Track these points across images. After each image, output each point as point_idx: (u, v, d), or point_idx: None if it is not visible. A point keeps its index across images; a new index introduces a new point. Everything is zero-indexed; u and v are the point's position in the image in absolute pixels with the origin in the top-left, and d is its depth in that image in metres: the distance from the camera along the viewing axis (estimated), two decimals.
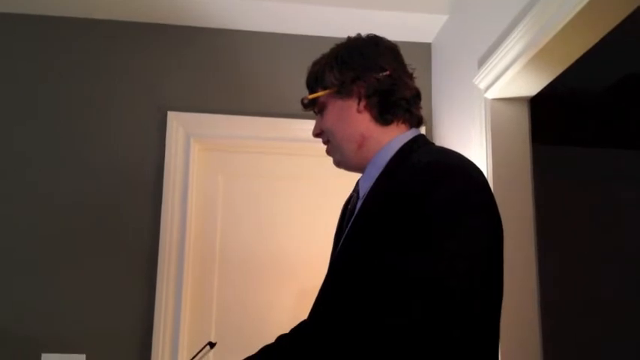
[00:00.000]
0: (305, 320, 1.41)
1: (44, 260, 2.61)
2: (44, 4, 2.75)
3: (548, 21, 1.91)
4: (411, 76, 1.49)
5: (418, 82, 1.51)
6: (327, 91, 1.47)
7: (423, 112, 1.53)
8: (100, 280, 2.61)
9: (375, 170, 1.41)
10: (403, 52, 1.52)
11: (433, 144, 1.50)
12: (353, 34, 1.54)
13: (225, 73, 2.87)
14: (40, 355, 2.51)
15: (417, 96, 1.49)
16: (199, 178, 2.80)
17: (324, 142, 1.53)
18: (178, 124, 2.76)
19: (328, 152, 1.53)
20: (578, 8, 1.77)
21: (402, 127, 1.47)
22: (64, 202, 2.67)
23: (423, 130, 2.81)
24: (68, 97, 2.77)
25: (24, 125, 2.73)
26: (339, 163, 1.52)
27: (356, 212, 1.39)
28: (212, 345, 2.48)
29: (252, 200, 2.83)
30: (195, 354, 2.44)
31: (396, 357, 1.16)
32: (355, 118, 1.45)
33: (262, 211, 2.82)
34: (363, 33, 1.54)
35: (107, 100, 2.79)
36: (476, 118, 2.41)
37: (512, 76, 2.17)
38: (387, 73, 1.44)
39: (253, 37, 2.92)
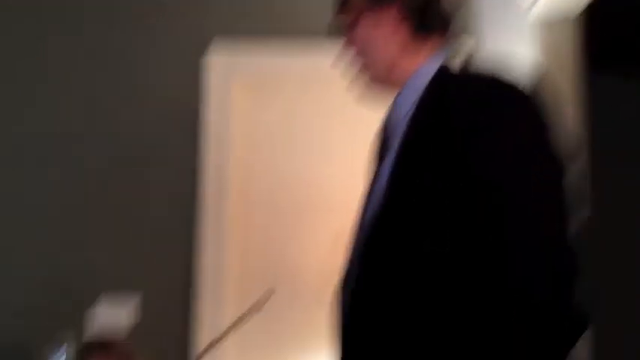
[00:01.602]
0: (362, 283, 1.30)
1: (90, 203, 2.68)
2: None
3: None
4: None
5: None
6: (360, 6, 1.39)
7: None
8: (145, 222, 2.67)
9: (412, 93, 1.33)
10: None
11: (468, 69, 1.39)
12: None
13: None
14: (99, 294, 2.60)
15: (455, 9, 1.40)
16: (240, 115, 2.77)
17: (352, 64, 1.43)
18: (219, 54, 2.72)
19: (355, 73, 1.44)
20: None
21: (438, 44, 1.38)
22: (103, 142, 2.71)
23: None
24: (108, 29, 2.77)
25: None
26: (369, 85, 1.43)
27: (400, 140, 1.30)
28: (270, 293, 2.46)
29: (294, 133, 2.80)
30: (256, 301, 2.42)
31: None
32: (390, 35, 1.37)
33: (302, 144, 2.79)
34: None
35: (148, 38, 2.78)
36: (522, 40, 2.31)
37: None
38: None
39: None
